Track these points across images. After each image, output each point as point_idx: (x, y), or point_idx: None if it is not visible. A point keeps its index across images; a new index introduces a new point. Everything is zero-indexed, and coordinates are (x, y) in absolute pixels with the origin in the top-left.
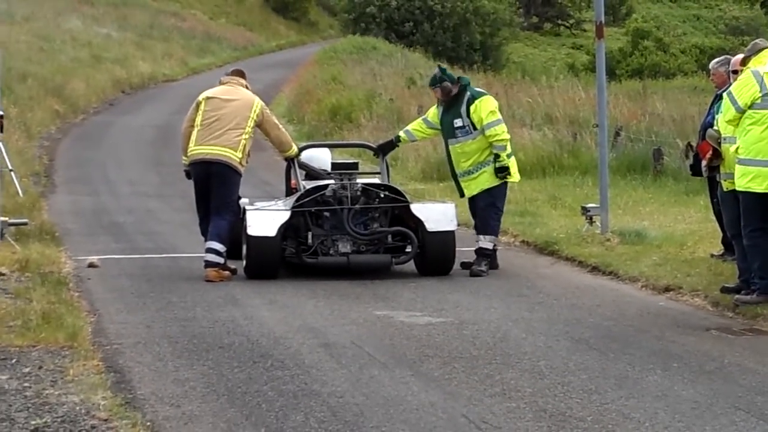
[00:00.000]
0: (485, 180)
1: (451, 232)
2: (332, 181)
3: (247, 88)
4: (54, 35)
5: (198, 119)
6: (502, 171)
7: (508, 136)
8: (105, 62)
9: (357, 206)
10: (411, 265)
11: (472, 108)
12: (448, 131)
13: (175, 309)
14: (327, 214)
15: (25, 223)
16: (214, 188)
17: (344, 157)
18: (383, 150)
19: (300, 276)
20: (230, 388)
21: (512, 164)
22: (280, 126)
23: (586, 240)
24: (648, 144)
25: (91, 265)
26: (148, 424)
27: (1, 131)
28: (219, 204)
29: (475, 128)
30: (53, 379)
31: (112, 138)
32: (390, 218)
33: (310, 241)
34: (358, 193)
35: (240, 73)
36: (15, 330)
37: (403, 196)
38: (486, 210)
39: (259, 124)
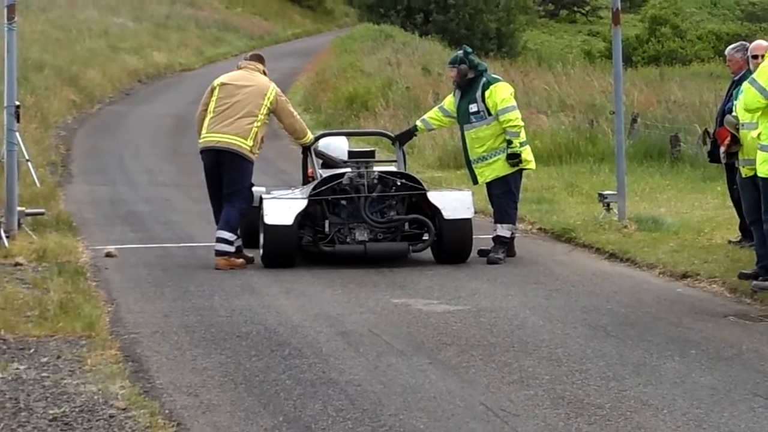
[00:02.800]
0: (501, 167)
1: (468, 220)
2: (349, 170)
3: (264, 74)
4: (70, 25)
5: (211, 105)
6: (514, 158)
7: (521, 123)
8: (121, 52)
9: (374, 194)
10: (428, 253)
11: (487, 93)
12: (463, 117)
13: (192, 298)
14: (344, 202)
15: (42, 213)
16: (225, 176)
17: (361, 146)
18: (401, 140)
19: (317, 264)
20: (248, 377)
21: (527, 152)
22: (295, 113)
23: (603, 227)
24: (665, 131)
25: (109, 255)
26: (167, 413)
27: (18, 121)
28: (230, 192)
29: (489, 114)
30: (71, 369)
31: (129, 128)
32: (407, 206)
33: (327, 229)
34: (375, 181)
35: (258, 58)
36: (33, 320)
37: (420, 184)
38: (502, 198)
39: (274, 111)
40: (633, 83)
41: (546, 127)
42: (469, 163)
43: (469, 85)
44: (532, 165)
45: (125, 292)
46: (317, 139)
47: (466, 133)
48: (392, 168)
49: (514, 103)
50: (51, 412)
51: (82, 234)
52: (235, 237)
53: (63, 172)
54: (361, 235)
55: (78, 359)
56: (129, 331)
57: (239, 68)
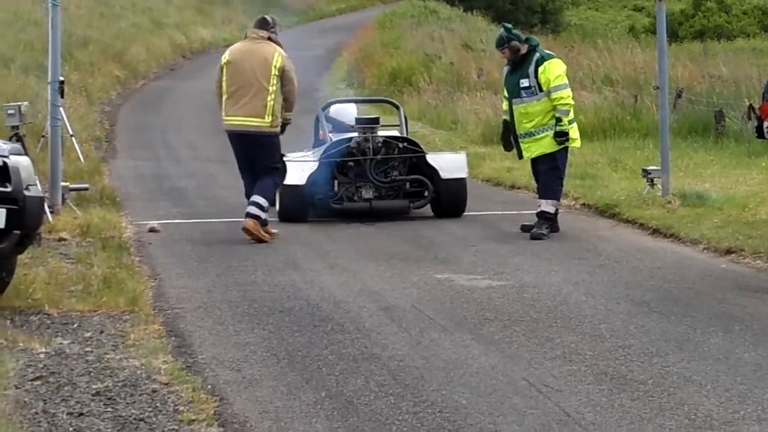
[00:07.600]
0: (548, 143)
1: (463, 179)
2: (356, 134)
3: (270, 39)
4: (114, 1)
5: (224, 86)
6: (561, 136)
7: (572, 102)
8: (165, 28)
9: (378, 157)
10: (471, 228)
11: (540, 69)
12: (512, 91)
13: (235, 273)
14: (351, 163)
15: (86, 189)
16: (255, 156)
17: (367, 113)
18: (506, 145)
19: (361, 240)
20: (290, 352)
21: (574, 130)
22: (295, 84)
23: (647, 202)
24: (709, 106)
25: (152, 230)
26: (209, 388)
27: (63, 97)
28: (263, 168)
29: (541, 90)
30: (114, 344)
31: (173, 103)
32: (408, 167)
33: (336, 188)
34: (380, 144)
35: (262, 23)
36: (76, 295)
37: (420, 148)
38: (548, 174)
39: (282, 76)
40: (677, 58)
41: (589, 102)
42: (515, 138)
43: (522, 60)
44: (578, 143)
45: (168, 267)
46: (329, 105)
47: (514, 107)
48: (395, 133)
49: (566, 80)
50: (94, 386)
51: (126, 209)
52: (267, 204)
53: (107, 147)
54: (367, 193)
55: (121, 334)
56: (172, 306)
57: (245, 38)
